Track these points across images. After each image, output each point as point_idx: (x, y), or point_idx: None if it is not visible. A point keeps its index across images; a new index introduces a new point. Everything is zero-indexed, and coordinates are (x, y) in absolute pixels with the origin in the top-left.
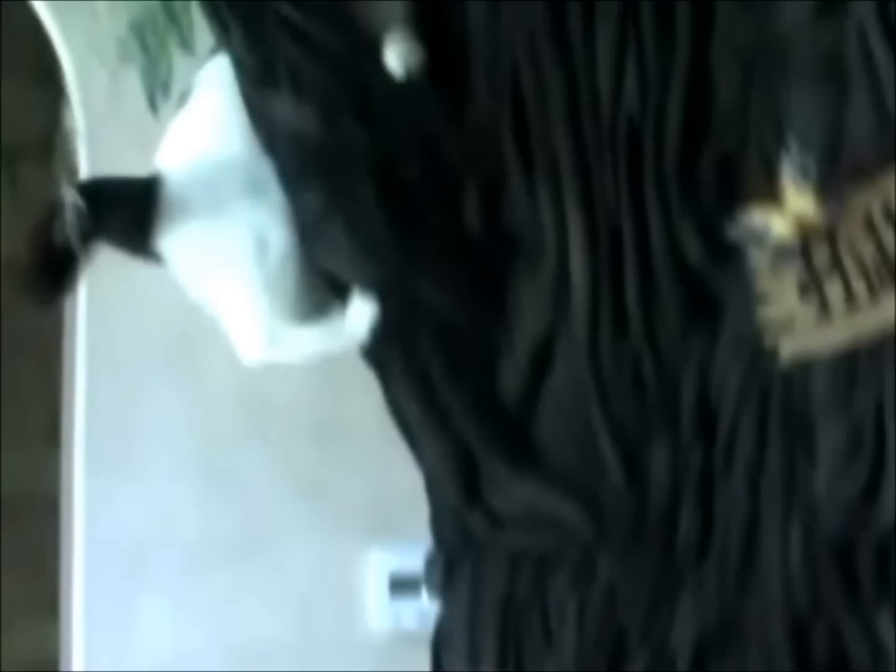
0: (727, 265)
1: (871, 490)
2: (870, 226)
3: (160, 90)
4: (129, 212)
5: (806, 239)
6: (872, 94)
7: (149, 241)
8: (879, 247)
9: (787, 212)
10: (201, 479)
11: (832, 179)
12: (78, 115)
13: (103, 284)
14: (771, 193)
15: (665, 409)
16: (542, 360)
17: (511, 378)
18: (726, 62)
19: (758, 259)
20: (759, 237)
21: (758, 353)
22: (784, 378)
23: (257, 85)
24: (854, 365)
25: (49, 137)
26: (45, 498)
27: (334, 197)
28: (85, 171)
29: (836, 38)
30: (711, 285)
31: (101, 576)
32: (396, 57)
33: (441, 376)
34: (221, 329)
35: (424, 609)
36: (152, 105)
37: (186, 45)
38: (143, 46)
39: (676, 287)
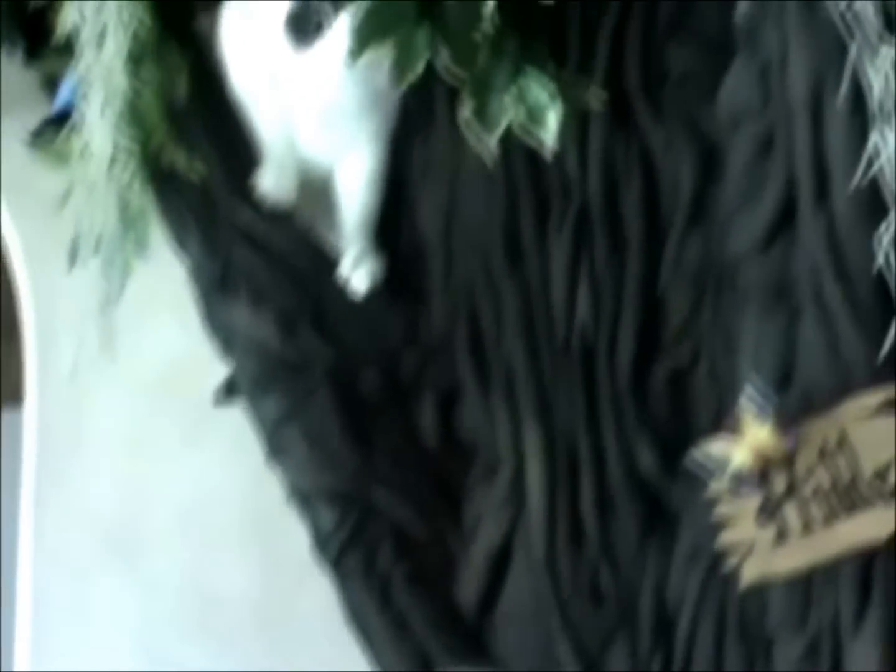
0: (681, 477)
1: None
2: (825, 454)
3: (114, 292)
4: None
5: (764, 467)
6: (823, 327)
7: None
8: (835, 473)
9: (746, 442)
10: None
11: (789, 410)
12: (27, 311)
13: (51, 474)
14: (720, 408)
15: (623, 618)
16: (499, 569)
17: (469, 586)
18: (677, 281)
19: (718, 485)
20: (720, 466)
21: (714, 565)
22: (741, 593)
23: (215, 290)
24: (809, 584)
25: None
26: None
27: (293, 404)
28: (33, 367)
29: (784, 266)
30: (666, 497)
31: None
32: (355, 270)
33: (400, 584)
34: (168, 523)
35: None
36: (104, 305)
37: (141, 247)
38: (98, 248)
39: (632, 498)
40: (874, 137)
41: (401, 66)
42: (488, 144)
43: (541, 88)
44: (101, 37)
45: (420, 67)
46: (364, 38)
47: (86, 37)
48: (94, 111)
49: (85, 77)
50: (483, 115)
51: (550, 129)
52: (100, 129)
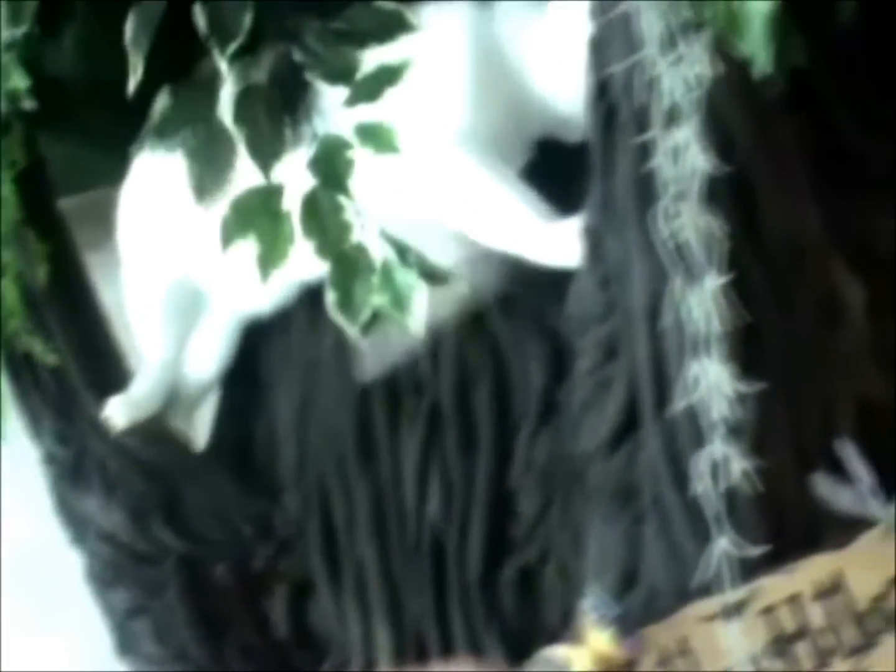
0: None
1: None
2: (665, 660)
3: None
4: None
5: None
6: (663, 533)
7: None
8: None
9: (587, 647)
10: None
11: (631, 616)
12: None
13: None
14: (569, 606)
15: None
16: None
17: None
18: (527, 479)
19: None
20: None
21: None
22: None
23: (68, 479)
24: None
25: None
26: None
27: (142, 597)
28: None
29: (629, 470)
30: None
31: None
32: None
33: None
34: None
35: None
36: None
37: None
38: None
39: None
40: (694, 368)
41: (264, 260)
42: (352, 333)
43: (405, 275)
44: None
45: (283, 262)
46: (230, 231)
47: None
48: None
49: None
50: (347, 304)
51: (416, 316)
52: None
